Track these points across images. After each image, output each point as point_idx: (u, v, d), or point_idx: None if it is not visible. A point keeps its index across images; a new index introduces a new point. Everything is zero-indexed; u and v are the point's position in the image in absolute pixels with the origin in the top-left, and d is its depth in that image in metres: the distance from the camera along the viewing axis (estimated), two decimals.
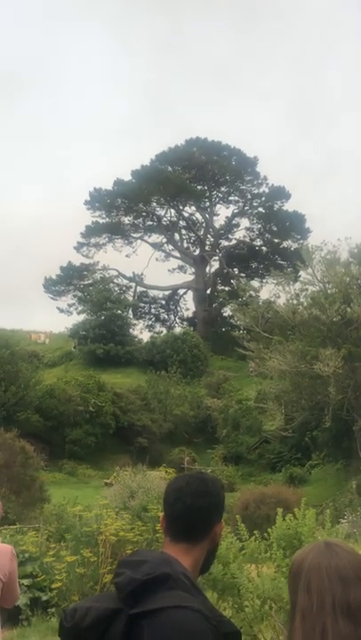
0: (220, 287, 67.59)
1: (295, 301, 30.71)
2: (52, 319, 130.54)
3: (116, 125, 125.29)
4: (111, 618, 1.63)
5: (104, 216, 67.14)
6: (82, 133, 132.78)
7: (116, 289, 63.90)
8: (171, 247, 70.01)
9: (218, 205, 70.27)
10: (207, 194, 69.00)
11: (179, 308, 72.25)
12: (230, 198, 69.40)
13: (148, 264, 73.07)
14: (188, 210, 70.12)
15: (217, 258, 68.66)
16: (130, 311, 61.30)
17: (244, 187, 68.03)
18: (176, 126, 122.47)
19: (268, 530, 5.48)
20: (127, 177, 66.61)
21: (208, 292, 67.61)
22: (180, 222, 70.13)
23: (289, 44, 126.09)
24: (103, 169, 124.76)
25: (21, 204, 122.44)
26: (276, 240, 67.01)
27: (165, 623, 1.54)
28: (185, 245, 70.47)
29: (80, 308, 61.18)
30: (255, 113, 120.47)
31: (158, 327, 70.02)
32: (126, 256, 69.43)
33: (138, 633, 1.57)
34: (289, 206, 66.23)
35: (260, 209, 67.79)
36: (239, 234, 69.99)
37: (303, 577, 1.55)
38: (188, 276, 69.81)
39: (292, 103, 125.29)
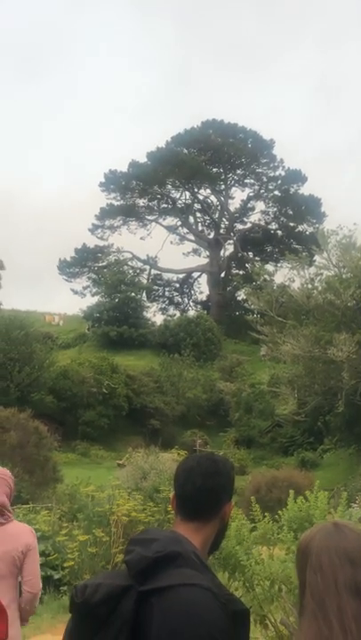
0: (234, 271, 67.36)
1: (310, 286, 30.53)
2: (67, 301, 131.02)
3: (136, 106, 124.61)
4: (121, 595, 1.63)
5: (119, 198, 66.99)
6: (99, 113, 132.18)
7: (131, 271, 63.85)
8: (185, 230, 69.82)
9: (233, 188, 69.91)
10: (222, 176, 68.54)
11: (193, 292, 72.23)
12: (246, 181, 68.95)
13: (163, 247, 73.03)
14: (203, 192, 69.85)
15: (232, 241, 68.34)
16: (144, 294, 61.31)
17: (259, 169, 67.50)
18: (198, 106, 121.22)
19: (280, 512, 5.49)
20: (143, 159, 66.42)
21: (222, 275, 67.40)
22: (195, 205, 69.81)
23: (315, 22, 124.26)
24: (120, 151, 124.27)
25: (37, 186, 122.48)
26: (291, 224, 66.55)
27: (175, 600, 1.56)
28: (200, 228, 70.22)
29: (94, 290, 61.34)
30: (282, 92, 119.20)
31: (172, 310, 70.09)
32: (141, 239, 69.38)
33: (147, 610, 1.58)
34: (306, 189, 65.79)
35: (276, 192, 67.27)
36: (254, 217, 69.65)
37: (313, 557, 1.54)
38: (203, 259, 69.68)
39: (320, 82, 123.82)
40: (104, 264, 64.95)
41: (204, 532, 1.82)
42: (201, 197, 69.86)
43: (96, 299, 58.21)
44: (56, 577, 9.67)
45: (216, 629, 1.53)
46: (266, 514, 5.62)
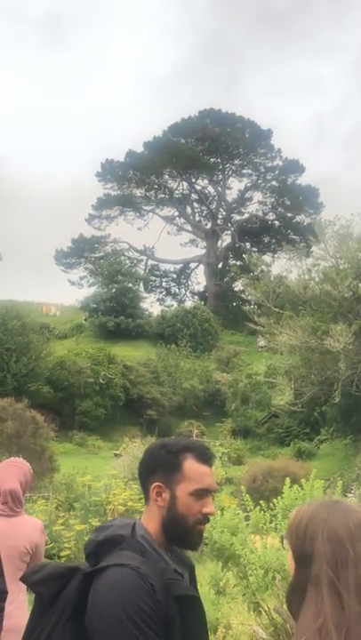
0: (231, 261, 67.30)
1: (307, 276, 30.53)
2: (64, 291, 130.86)
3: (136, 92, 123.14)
4: (66, 576, 1.73)
5: (116, 188, 66.79)
6: (98, 102, 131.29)
7: (128, 262, 63.78)
8: (182, 220, 69.73)
9: (231, 179, 69.79)
10: (220, 166, 68.38)
11: (190, 282, 72.23)
12: (243, 171, 68.79)
13: (160, 237, 73.07)
14: (201, 183, 69.72)
15: (229, 232, 68.31)
16: (141, 284, 61.26)
17: (257, 160, 67.32)
18: (197, 97, 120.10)
19: (274, 500, 5.51)
20: (140, 149, 66.15)
21: (219, 266, 67.38)
22: (193, 195, 69.71)
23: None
24: (117, 140, 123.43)
25: (37, 177, 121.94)
26: (288, 214, 66.48)
27: (103, 580, 1.64)
28: (197, 219, 70.13)
29: (91, 281, 61.25)
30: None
31: (169, 301, 70.13)
32: (138, 229, 69.33)
33: (90, 590, 1.68)
34: (303, 180, 65.70)
35: (274, 182, 67.17)
36: (252, 208, 69.57)
37: (324, 525, 1.49)
38: (200, 249, 69.65)
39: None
40: (101, 254, 64.89)
41: (148, 514, 1.84)
42: (198, 188, 69.77)
43: (93, 289, 58.22)
44: None
45: (132, 607, 1.59)
46: (260, 502, 5.65)
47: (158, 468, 1.83)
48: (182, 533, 1.81)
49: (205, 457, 1.86)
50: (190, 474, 1.81)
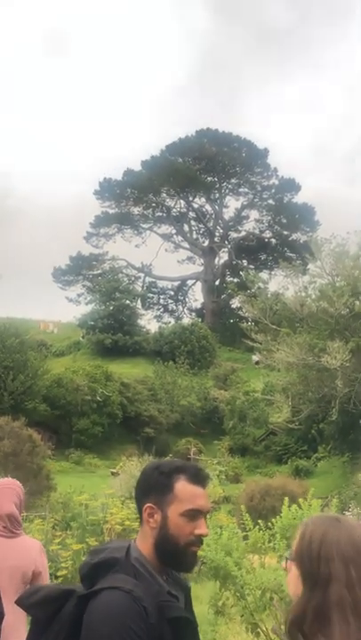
0: (228, 278, 67.46)
1: (303, 294, 30.61)
2: (61, 309, 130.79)
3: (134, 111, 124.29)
4: (61, 598, 1.75)
5: (113, 206, 67.09)
6: (96, 119, 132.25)
7: (125, 279, 63.85)
8: (180, 238, 70.02)
9: (228, 197, 70.22)
10: (217, 185, 68.81)
11: (187, 299, 72.35)
12: (240, 190, 69.26)
13: (158, 255, 73.27)
14: (198, 201, 70.12)
15: (226, 249, 68.61)
16: (138, 301, 61.35)
17: (254, 178, 67.80)
18: (196, 115, 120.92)
19: (273, 520, 5.51)
20: (138, 167, 66.55)
21: (217, 283, 67.53)
22: (190, 213, 70.06)
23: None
24: (115, 159, 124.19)
25: (36, 193, 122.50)
26: (285, 232, 66.79)
27: (98, 603, 1.65)
28: (194, 236, 70.41)
29: (89, 298, 61.30)
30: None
31: (166, 318, 70.16)
32: (135, 246, 69.50)
33: (84, 613, 1.69)
34: (300, 198, 66.14)
35: (270, 201, 67.60)
36: (248, 225, 69.93)
37: (338, 546, 1.47)
38: (197, 267, 69.86)
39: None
40: (99, 272, 64.98)
41: (142, 536, 1.84)
42: (196, 206, 70.17)
43: (91, 306, 58.24)
44: None
45: (125, 630, 1.60)
46: (259, 522, 5.64)
47: (151, 490, 1.84)
48: (174, 555, 1.80)
49: (198, 478, 1.86)
50: (182, 494, 1.81)
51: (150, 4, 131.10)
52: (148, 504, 1.83)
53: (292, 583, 1.55)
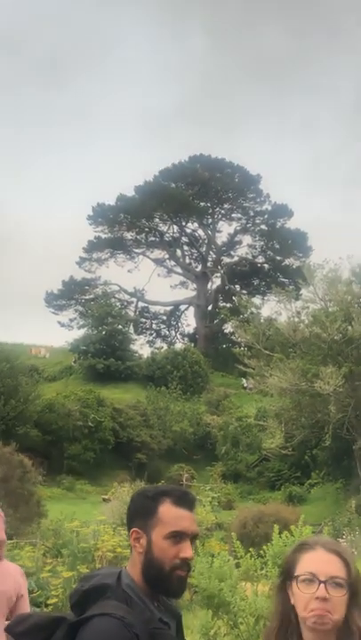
0: (221, 304, 67.60)
1: (296, 319, 30.73)
2: (53, 334, 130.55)
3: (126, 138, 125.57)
4: (51, 626, 1.72)
5: (106, 231, 67.35)
6: (90, 144, 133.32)
7: (118, 304, 63.88)
8: (173, 263, 70.22)
9: (220, 222, 70.56)
10: (210, 210, 69.28)
11: (180, 324, 72.29)
12: (233, 215, 69.69)
13: (150, 280, 73.48)
14: (191, 226, 70.44)
15: (219, 274, 68.75)
16: (131, 326, 61.27)
17: (246, 204, 68.32)
18: (189, 140, 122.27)
19: (264, 547, 5.45)
20: (131, 193, 66.97)
21: (209, 308, 67.61)
22: (183, 238, 70.38)
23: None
24: (108, 185, 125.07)
25: (28, 217, 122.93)
26: (278, 257, 67.12)
27: (89, 629, 1.64)
28: (187, 261, 70.66)
29: (81, 323, 61.16)
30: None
31: (159, 343, 69.97)
32: (128, 271, 69.85)
33: None
34: (293, 223, 66.65)
35: (263, 226, 68.04)
36: (241, 251, 70.24)
37: None
38: (190, 292, 69.97)
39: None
40: (91, 296, 64.99)
41: (132, 562, 1.84)
42: (188, 231, 70.51)
43: (83, 331, 58.12)
44: None
45: None
46: (250, 549, 5.58)
47: (137, 515, 1.84)
48: (160, 580, 1.78)
49: (183, 500, 1.84)
50: (165, 517, 1.80)
51: (147, 30, 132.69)
52: (134, 528, 1.82)
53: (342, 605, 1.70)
